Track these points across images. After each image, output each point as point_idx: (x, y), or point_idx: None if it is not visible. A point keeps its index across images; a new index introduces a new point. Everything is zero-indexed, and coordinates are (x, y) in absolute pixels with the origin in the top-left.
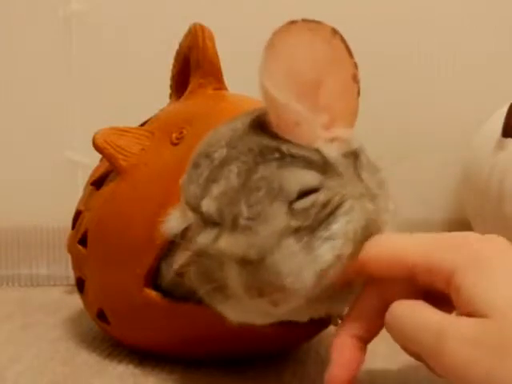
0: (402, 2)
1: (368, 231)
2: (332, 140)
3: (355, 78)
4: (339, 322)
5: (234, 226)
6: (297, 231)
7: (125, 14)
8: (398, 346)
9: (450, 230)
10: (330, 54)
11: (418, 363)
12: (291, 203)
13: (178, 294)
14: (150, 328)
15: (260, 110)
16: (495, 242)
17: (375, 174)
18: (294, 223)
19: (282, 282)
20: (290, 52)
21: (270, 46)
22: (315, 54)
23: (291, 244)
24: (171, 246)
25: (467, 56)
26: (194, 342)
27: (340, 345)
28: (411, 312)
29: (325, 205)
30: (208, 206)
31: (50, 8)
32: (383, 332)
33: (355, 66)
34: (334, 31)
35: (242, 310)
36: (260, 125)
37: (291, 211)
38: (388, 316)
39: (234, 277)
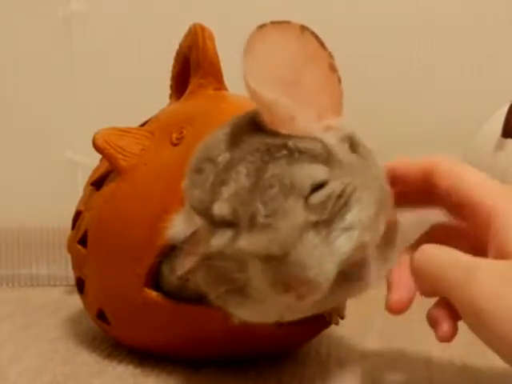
0: (401, 4)
1: (379, 213)
2: (326, 129)
3: (332, 68)
4: (340, 321)
5: (252, 225)
6: (316, 225)
7: (125, 14)
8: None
9: None
10: (303, 50)
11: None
12: (306, 198)
13: (181, 297)
14: (150, 328)
15: (251, 112)
16: None
17: (371, 154)
18: (313, 217)
19: (308, 275)
20: (265, 54)
21: (246, 51)
22: (289, 52)
23: (312, 238)
24: (172, 248)
25: (467, 56)
26: (194, 342)
27: (396, 273)
28: (441, 251)
29: (339, 196)
30: (220, 208)
31: (50, 8)
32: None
33: (330, 55)
34: (303, 27)
35: (262, 310)
36: (257, 125)
37: (308, 205)
38: (417, 255)
39: (257, 275)
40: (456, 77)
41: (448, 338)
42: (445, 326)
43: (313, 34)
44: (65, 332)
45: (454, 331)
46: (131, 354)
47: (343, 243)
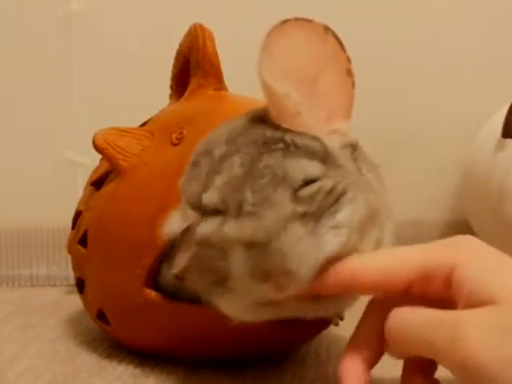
0: (401, 4)
1: (371, 222)
2: (332, 132)
3: (349, 72)
4: (339, 321)
5: (239, 212)
6: (303, 217)
7: (125, 14)
8: None
9: (449, 230)
10: (324, 50)
11: None
12: (296, 191)
13: (180, 297)
14: (150, 328)
15: (257, 109)
16: (472, 239)
17: (374, 169)
18: (300, 209)
19: (288, 265)
20: (285, 51)
21: (265, 46)
22: (309, 51)
23: (297, 228)
24: (172, 247)
25: (467, 56)
26: (194, 342)
27: (347, 369)
28: (415, 314)
29: (330, 192)
30: (210, 197)
31: (50, 8)
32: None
33: (348, 60)
34: (326, 28)
35: (242, 304)
36: (260, 119)
37: (296, 198)
38: (390, 322)
39: (239, 262)
40: (456, 77)
41: None
42: None
43: (335, 35)
44: (65, 332)
45: None
46: (131, 354)
47: (330, 240)
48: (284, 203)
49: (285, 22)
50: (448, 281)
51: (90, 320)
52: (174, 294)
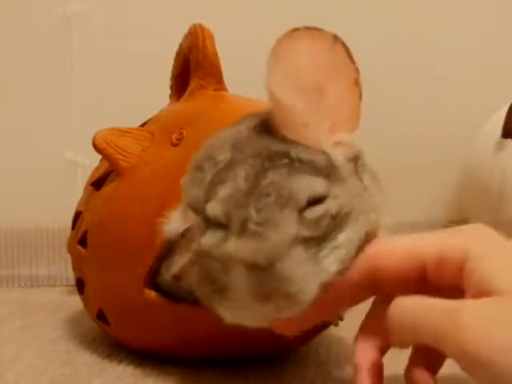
0: (402, 5)
1: (367, 239)
2: (336, 144)
3: (357, 83)
4: (339, 322)
5: (243, 230)
6: (306, 240)
7: (125, 14)
8: None
9: None
10: (332, 60)
11: None
12: (301, 211)
13: (176, 296)
14: (150, 329)
15: (263, 113)
16: (485, 229)
17: (375, 178)
18: (305, 233)
19: (290, 290)
20: (293, 59)
21: (274, 53)
22: (317, 61)
23: (300, 253)
24: (171, 246)
25: (467, 56)
26: (194, 342)
27: (360, 353)
28: (417, 302)
29: (334, 216)
30: (214, 208)
31: (50, 8)
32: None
33: (357, 70)
34: (336, 37)
35: (241, 313)
36: (266, 128)
37: (301, 220)
38: (392, 310)
39: (240, 280)
40: (456, 77)
41: None
42: None
43: (344, 45)
44: (65, 332)
45: None
46: (131, 355)
47: (330, 264)
48: (289, 225)
49: (294, 30)
50: (461, 268)
51: (90, 320)
52: (173, 294)
